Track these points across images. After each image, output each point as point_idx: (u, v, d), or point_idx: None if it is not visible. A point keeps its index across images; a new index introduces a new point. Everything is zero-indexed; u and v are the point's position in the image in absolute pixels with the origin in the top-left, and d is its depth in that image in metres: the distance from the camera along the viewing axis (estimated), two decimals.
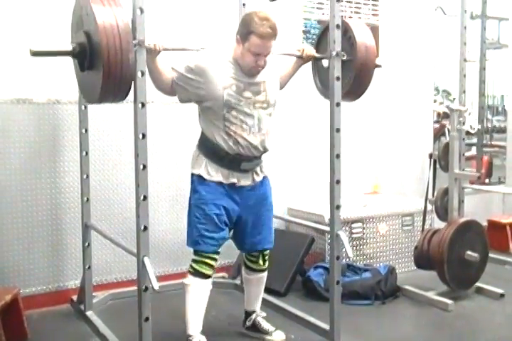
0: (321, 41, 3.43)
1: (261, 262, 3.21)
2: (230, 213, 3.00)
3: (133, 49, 2.43)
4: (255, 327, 3.28)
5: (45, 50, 2.58)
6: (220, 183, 2.96)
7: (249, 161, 2.99)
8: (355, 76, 3.16)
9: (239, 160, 2.95)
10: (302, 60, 3.24)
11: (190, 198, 3.03)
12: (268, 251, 3.22)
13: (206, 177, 2.96)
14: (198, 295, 2.97)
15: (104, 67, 2.36)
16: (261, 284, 3.28)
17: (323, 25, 3.51)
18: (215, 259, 2.97)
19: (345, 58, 3.06)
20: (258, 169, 3.08)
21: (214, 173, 2.96)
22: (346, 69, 3.10)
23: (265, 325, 3.27)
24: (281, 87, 3.23)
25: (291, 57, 3.24)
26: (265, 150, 3.04)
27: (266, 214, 3.15)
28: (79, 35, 2.54)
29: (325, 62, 3.20)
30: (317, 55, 3.28)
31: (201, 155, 2.99)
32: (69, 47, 2.52)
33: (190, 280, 2.95)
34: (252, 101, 2.92)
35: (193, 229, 2.98)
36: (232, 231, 3.12)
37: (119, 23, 2.37)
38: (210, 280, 2.97)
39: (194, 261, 2.96)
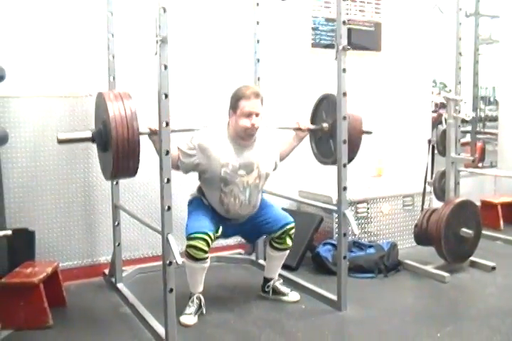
0: (316, 113, 3.40)
1: (288, 241, 3.26)
2: (223, 226, 3.10)
3: (138, 136, 2.59)
4: (273, 291, 3.35)
5: (70, 137, 2.77)
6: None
7: (239, 219, 3.18)
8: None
9: (229, 219, 3.14)
10: (301, 131, 3.27)
11: (188, 211, 3.15)
12: (292, 227, 3.25)
13: (205, 202, 3.12)
14: (191, 272, 3.05)
15: (114, 150, 2.57)
16: (282, 258, 3.37)
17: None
18: (204, 239, 2.93)
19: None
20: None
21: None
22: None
23: (282, 288, 3.37)
24: (283, 158, 3.29)
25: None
26: (253, 212, 3.19)
27: (265, 213, 3.23)
28: (98, 123, 2.78)
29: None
30: (311, 126, 3.33)
31: (200, 197, 3.15)
32: (89, 135, 2.74)
33: (185, 261, 2.93)
34: (246, 180, 3.05)
35: (188, 225, 3.02)
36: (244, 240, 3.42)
37: (127, 112, 2.59)
38: (201, 262, 2.97)
39: (187, 245, 2.96)
